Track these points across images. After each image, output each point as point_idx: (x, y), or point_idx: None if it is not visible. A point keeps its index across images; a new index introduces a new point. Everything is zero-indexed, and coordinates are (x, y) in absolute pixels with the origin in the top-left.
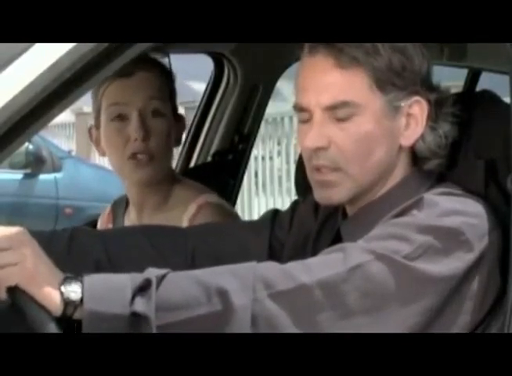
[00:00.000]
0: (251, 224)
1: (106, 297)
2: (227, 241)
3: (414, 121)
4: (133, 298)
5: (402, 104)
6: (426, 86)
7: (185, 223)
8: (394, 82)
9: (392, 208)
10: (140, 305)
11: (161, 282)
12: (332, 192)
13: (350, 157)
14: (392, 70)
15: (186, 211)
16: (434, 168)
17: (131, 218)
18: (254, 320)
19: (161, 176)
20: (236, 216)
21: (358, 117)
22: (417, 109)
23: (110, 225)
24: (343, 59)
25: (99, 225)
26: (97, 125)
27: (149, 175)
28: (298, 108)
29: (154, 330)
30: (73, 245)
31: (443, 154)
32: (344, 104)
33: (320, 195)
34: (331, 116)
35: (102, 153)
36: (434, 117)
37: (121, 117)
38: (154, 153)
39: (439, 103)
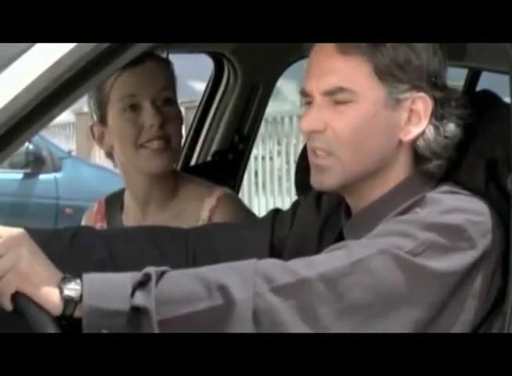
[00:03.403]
0: (252, 224)
1: (106, 293)
2: (228, 241)
3: (417, 117)
4: (133, 292)
5: (403, 97)
6: (432, 83)
7: (204, 216)
8: (395, 74)
9: (394, 209)
10: (140, 298)
11: (161, 277)
12: (323, 176)
13: (343, 143)
14: (395, 62)
15: (203, 205)
16: (435, 170)
17: (132, 217)
18: (255, 314)
19: (173, 167)
20: (249, 210)
21: (355, 104)
22: (421, 105)
23: (102, 224)
24: (346, 45)
25: (84, 223)
26: (102, 120)
27: (165, 163)
28: (302, 92)
29: (155, 325)
30: (76, 244)
31: (445, 156)
32: (341, 90)
33: (314, 180)
34: (330, 100)
35: (108, 148)
36: (438, 116)
37: (134, 107)
38: (171, 138)
39: (446, 102)
